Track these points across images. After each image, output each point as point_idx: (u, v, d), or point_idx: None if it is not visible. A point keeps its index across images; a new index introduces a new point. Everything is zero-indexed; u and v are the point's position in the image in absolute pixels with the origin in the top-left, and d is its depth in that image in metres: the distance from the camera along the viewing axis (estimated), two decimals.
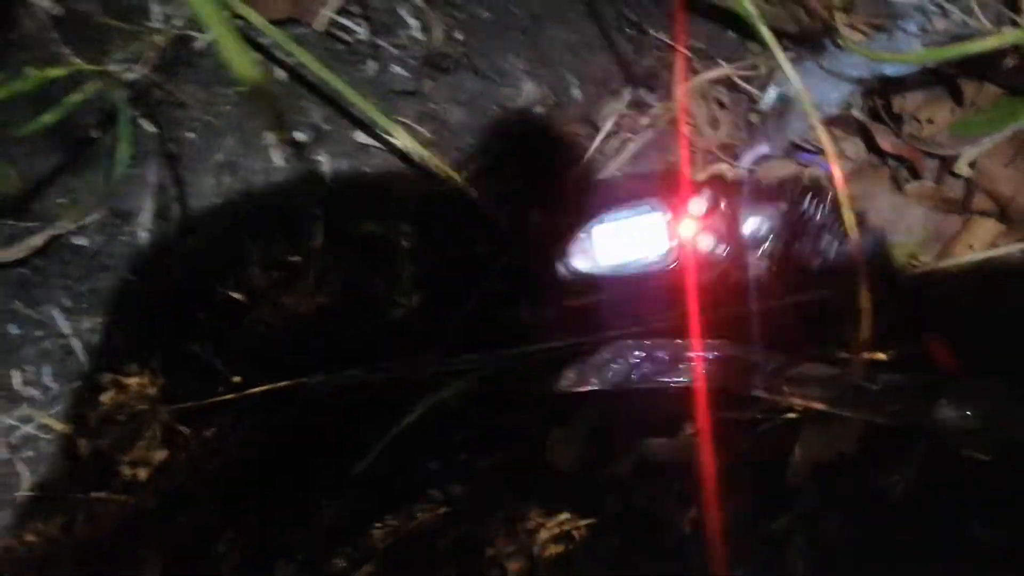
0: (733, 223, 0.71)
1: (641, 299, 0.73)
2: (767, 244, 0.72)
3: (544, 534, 0.68)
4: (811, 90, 0.70)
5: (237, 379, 0.76)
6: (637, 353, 0.71)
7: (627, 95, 0.79)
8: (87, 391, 0.78)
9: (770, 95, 0.76)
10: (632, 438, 0.71)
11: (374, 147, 0.78)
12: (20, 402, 0.79)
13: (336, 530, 0.73)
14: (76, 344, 0.79)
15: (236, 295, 0.76)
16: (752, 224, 0.72)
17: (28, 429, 0.79)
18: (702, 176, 0.76)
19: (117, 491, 0.75)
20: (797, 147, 0.77)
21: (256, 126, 0.76)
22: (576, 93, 0.80)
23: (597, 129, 0.79)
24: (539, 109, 0.79)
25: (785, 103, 0.76)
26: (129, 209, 0.77)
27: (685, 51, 0.76)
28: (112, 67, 0.73)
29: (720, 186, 0.73)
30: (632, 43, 0.78)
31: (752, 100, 0.78)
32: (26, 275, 0.77)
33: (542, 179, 0.79)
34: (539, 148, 0.79)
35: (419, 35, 0.76)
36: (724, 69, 0.77)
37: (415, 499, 0.73)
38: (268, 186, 0.77)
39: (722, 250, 0.71)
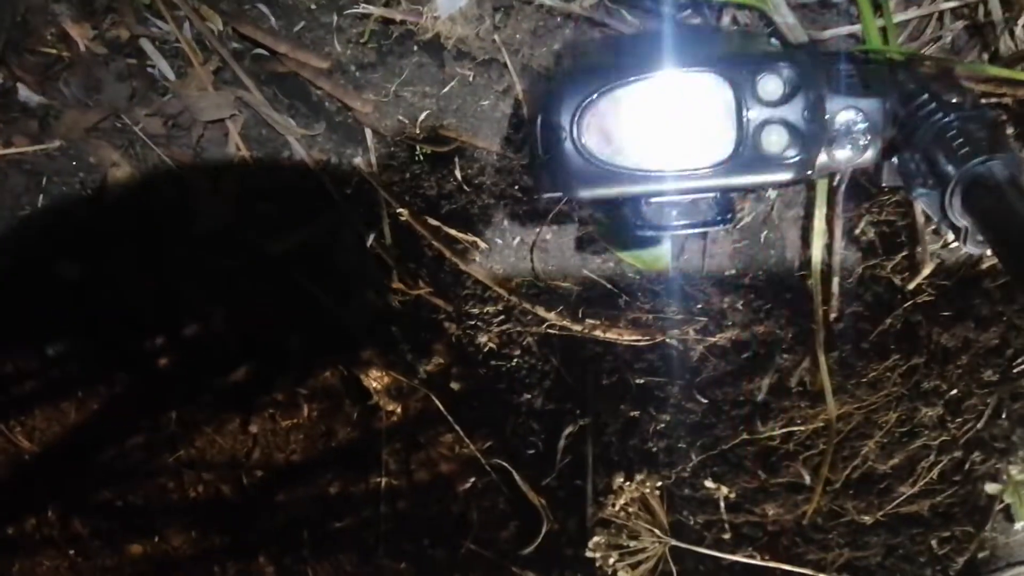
0: (818, 114, 0.52)
1: None
2: (861, 146, 0.53)
3: None
4: None
5: None
6: None
7: None
8: None
9: None
10: None
11: None
12: None
13: None
14: None
15: None
16: (846, 117, 0.53)
17: None
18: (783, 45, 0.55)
19: None
20: None
21: None
22: None
23: None
24: None
25: None
26: None
27: None
28: None
29: (805, 61, 0.52)
30: None
31: None
32: None
33: None
34: None
35: None
36: None
37: None
38: None
39: (795, 151, 0.52)
